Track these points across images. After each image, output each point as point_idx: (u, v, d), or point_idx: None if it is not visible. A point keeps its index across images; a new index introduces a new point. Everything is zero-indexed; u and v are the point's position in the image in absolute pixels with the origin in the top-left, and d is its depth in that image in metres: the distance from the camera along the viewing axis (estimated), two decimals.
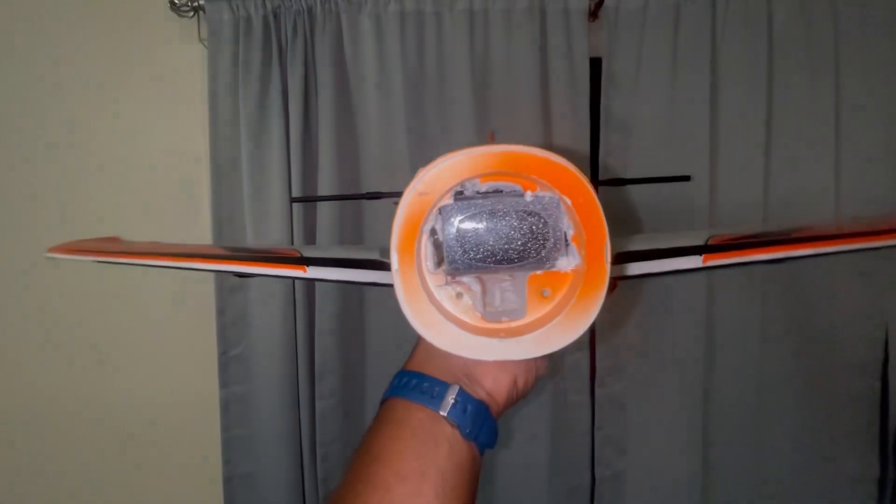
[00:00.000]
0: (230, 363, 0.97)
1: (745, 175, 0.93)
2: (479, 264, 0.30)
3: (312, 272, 0.39)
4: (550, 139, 0.94)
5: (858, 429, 0.98)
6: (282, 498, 0.98)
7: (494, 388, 0.35)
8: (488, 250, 0.30)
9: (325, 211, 0.93)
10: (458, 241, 0.30)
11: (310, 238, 0.95)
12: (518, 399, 0.37)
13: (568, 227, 0.30)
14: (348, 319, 0.96)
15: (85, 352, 1.02)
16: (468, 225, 0.30)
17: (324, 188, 0.92)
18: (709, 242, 0.41)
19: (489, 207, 0.29)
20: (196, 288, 0.99)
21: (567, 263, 0.30)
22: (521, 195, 0.30)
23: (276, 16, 0.89)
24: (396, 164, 0.92)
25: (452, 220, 0.30)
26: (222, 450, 0.99)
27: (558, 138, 0.94)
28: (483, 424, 0.33)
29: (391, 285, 0.36)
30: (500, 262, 0.30)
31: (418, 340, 0.38)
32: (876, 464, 0.99)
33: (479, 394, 0.35)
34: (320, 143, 0.92)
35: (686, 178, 0.69)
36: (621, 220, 0.94)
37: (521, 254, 0.30)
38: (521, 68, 0.92)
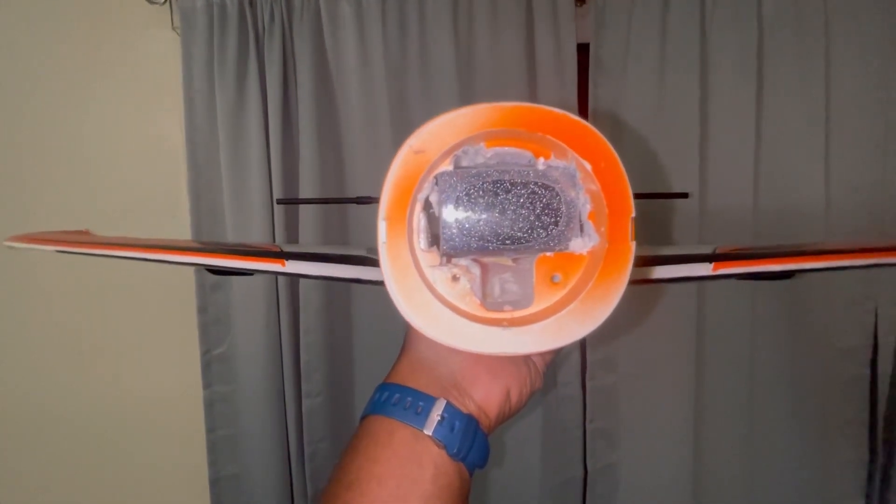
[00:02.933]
0: (213, 362, 0.95)
1: (735, 161, 0.92)
2: (481, 244, 0.26)
3: (292, 267, 0.36)
4: None
5: (848, 414, 0.98)
6: (270, 498, 0.96)
7: (485, 401, 0.32)
8: (492, 228, 0.25)
9: (308, 207, 0.91)
10: (456, 216, 0.25)
11: (292, 234, 0.92)
12: (511, 414, 0.34)
13: (584, 201, 0.25)
14: (334, 315, 0.94)
15: (66, 353, 1.00)
16: (470, 198, 0.25)
17: (305, 181, 0.89)
18: (716, 251, 0.40)
19: (494, 177, 0.25)
20: (177, 286, 0.96)
21: (582, 245, 0.26)
22: (533, 164, 0.26)
23: (251, 2, 0.86)
24: (381, 154, 0.90)
25: (451, 190, 0.25)
26: (208, 451, 0.97)
27: None
28: (473, 443, 0.31)
29: (377, 282, 0.32)
30: (504, 241, 0.26)
31: (402, 350, 0.35)
32: (865, 449, 0.99)
33: (469, 407, 0.32)
34: (301, 135, 0.89)
35: (684, 196, 0.68)
36: None
37: (530, 233, 0.26)
38: (506, 54, 0.89)
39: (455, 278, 0.27)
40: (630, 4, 0.89)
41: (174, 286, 0.96)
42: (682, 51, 0.90)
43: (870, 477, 1.00)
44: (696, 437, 0.98)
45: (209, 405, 0.96)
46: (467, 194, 0.25)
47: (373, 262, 0.36)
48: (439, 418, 0.30)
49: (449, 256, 0.27)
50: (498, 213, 0.26)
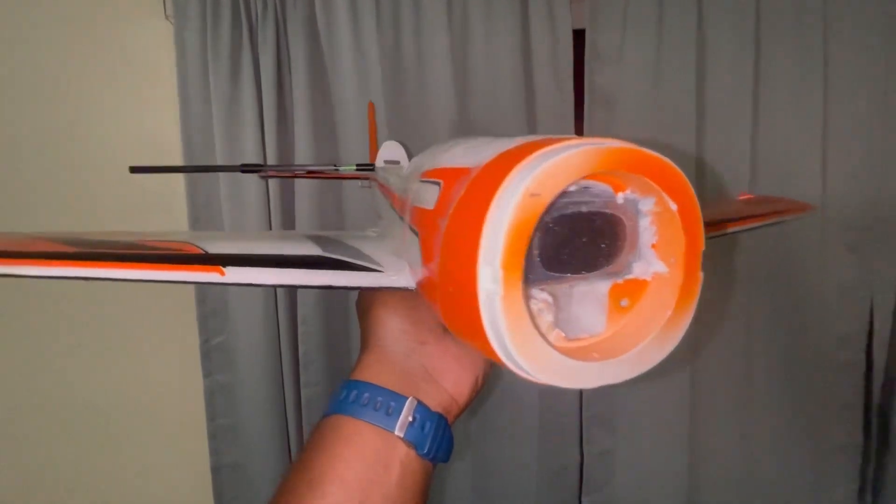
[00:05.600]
0: (212, 352, 0.96)
1: (732, 147, 0.92)
2: (559, 274, 0.26)
3: (233, 275, 0.30)
4: (534, 114, 0.92)
5: (843, 399, 0.99)
6: (271, 486, 0.97)
7: (457, 390, 0.33)
8: (570, 257, 0.26)
9: (303, 195, 0.91)
10: (541, 247, 0.25)
11: (288, 222, 0.92)
12: (477, 395, 0.35)
13: (649, 231, 0.27)
14: (331, 306, 0.94)
15: (67, 343, 1.00)
16: (553, 229, 0.25)
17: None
18: None
19: (578, 209, 0.26)
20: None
21: (645, 271, 0.27)
22: (612, 197, 0.26)
23: None
24: (383, 144, 0.90)
25: (538, 223, 0.25)
26: (209, 440, 0.98)
27: (542, 113, 0.91)
28: (441, 441, 0.31)
29: (347, 287, 0.32)
30: (578, 270, 0.26)
31: (367, 344, 0.34)
32: (860, 432, 1.00)
33: (442, 399, 0.32)
34: (296, 123, 0.89)
35: None
36: None
37: (603, 261, 0.27)
38: (501, 40, 0.89)
39: (539, 313, 0.27)
40: None
41: None
42: (679, 37, 0.89)
43: (863, 459, 1.01)
44: (691, 423, 0.99)
45: (209, 394, 0.97)
46: (551, 226, 0.25)
47: (334, 262, 0.33)
48: (410, 419, 0.30)
49: (528, 288, 0.27)
50: (576, 243, 0.26)
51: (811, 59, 0.89)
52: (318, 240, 0.37)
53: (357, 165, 0.66)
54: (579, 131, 0.93)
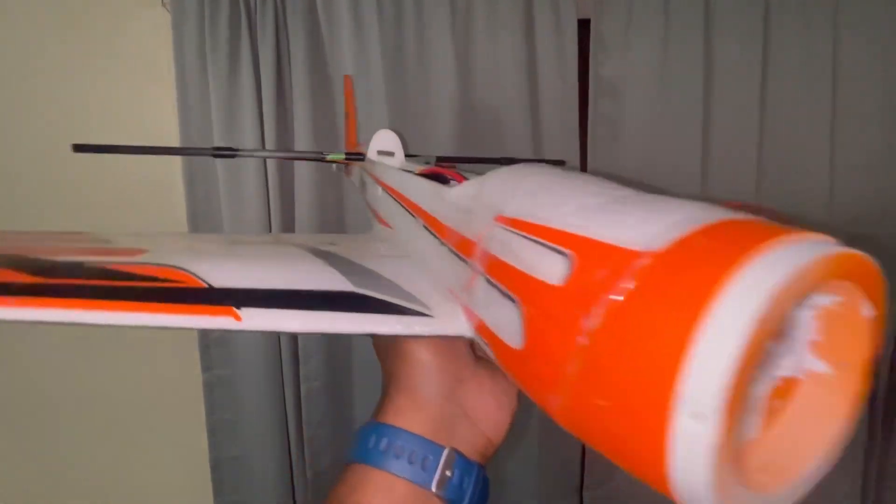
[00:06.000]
0: (211, 346, 0.95)
1: (739, 138, 0.91)
2: None
3: (252, 320, 0.24)
4: (538, 104, 0.90)
5: None
6: (270, 480, 0.97)
7: (495, 432, 0.30)
8: None
9: (303, 192, 0.89)
10: None
11: (288, 220, 0.91)
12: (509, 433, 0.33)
13: (811, 326, 0.23)
14: None
15: (68, 339, 0.99)
16: None
17: (301, 162, 0.88)
18: None
19: None
20: None
21: (796, 368, 0.24)
22: None
23: None
24: (376, 132, 0.88)
25: None
26: (208, 434, 0.98)
27: (546, 103, 0.90)
28: (481, 494, 0.28)
29: (392, 335, 0.27)
30: None
31: (395, 382, 0.30)
32: (863, 429, 0.99)
33: (479, 443, 0.29)
34: (296, 116, 0.88)
35: (561, 163, 0.67)
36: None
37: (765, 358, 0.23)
38: (505, 30, 0.87)
39: None
40: None
41: None
42: (686, 27, 0.88)
43: (865, 456, 1.01)
44: None
45: (209, 388, 0.96)
46: None
47: (373, 302, 0.28)
48: (449, 475, 0.27)
49: None
50: None
51: (820, 50, 0.88)
52: (333, 260, 0.31)
53: (346, 154, 0.64)
54: (583, 122, 0.92)
